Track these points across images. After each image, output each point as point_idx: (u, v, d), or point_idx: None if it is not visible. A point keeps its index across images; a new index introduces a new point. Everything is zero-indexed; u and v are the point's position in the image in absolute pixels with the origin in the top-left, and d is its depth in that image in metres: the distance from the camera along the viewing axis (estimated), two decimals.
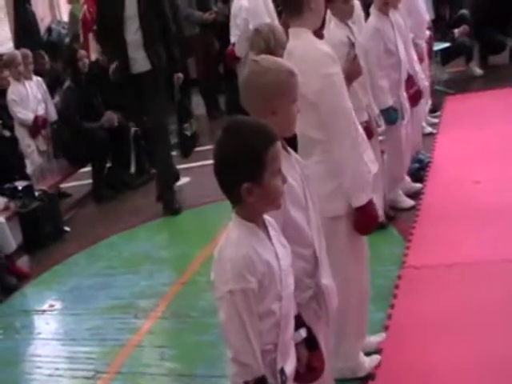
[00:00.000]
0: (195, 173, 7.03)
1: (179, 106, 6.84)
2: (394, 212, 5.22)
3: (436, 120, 7.10)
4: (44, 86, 7.60)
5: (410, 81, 5.32)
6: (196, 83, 9.61)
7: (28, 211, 6.24)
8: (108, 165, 7.59)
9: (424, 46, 6.45)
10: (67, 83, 7.41)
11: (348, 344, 3.31)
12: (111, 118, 7.39)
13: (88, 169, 7.55)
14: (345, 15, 4.23)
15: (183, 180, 7.06)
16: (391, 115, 4.97)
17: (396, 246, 4.75)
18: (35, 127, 7.28)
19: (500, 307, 3.67)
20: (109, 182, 7.51)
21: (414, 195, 5.43)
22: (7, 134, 6.86)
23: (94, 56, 8.26)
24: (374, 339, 3.58)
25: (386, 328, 3.69)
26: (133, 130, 7.66)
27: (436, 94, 7.57)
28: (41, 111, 7.38)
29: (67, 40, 10.71)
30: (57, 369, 4.31)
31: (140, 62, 6.28)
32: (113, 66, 6.67)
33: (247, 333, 1.96)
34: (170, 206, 6.46)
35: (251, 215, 2.05)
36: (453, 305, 3.78)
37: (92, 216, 7.10)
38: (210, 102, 9.58)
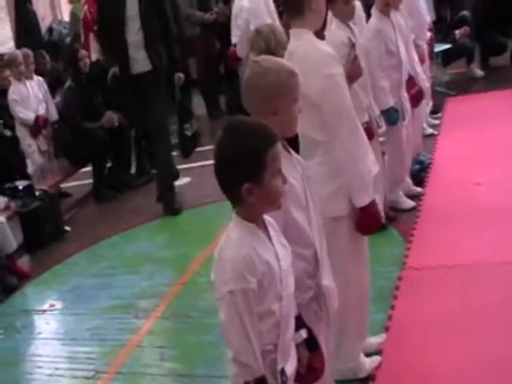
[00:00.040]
0: (195, 173, 7.04)
1: (180, 106, 6.83)
2: (395, 213, 5.22)
3: (437, 121, 7.10)
4: (45, 86, 7.60)
5: (411, 81, 5.32)
6: (197, 83, 9.62)
7: (29, 211, 6.24)
8: (108, 165, 7.59)
9: (425, 47, 6.45)
10: (68, 83, 7.42)
11: (349, 345, 3.31)
12: (111, 118, 7.39)
13: (88, 169, 7.55)
14: (346, 16, 4.23)
15: (183, 180, 7.07)
16: (392, 116, 4.98)
17: (396, 246, 4.75)
18: (36, 127, 7.28)
19: (500, 308, 3.67)
20: (109, 182, 7.51)
21: (415, 197, 5.43)
22: (8, 133, 6.87)
23: (94, 56, 8.26)
24: (374, 340, 3.58)
25: (387, 329, 3.69)
26: (133, 130, 7.67)
27: (437, 96, 7.57)
28: (42, 111, 7.38)
29: (68, 40, 10.71)
30: (57, 369, 4.31)
31: (141, 62, 6.27)
32: (111, 71, 6.69)
33: (247, 333, 1.96)
34: (171, 206, 6.46)
35: (251, 215, 2.05)
36: (453, 306, 3.78)
37: (92, 216, 7.11)
38: (210, 102, 9.59)
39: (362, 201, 3.06)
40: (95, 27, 7.61)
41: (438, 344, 3.45)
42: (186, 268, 5.26)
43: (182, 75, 6.69)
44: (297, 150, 2.69)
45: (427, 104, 6.68)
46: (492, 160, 5.69)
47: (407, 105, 5.20)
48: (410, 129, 5.36)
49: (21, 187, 6.35)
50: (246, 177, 1.98)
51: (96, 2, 7.29)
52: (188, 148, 6.87)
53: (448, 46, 8.40)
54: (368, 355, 3.46)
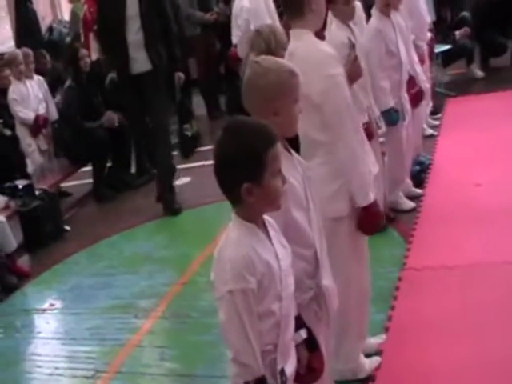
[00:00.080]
0: (195, 173, 7.04)
1: (180, 107, 6.83)
2: (395, 214, 5.22)
3: (437, 122, 7.10)
4: (45, 85, 7.60)
5: (411, 82, 5.32)
6: (197, 83, 9.62)
7: (28, 210, 6.24)
8: (108, 164, 7.58)
9: (425, 47, 6.45)
10: (68, 82, 7.41)
11: (349, 345, 3.31)
12: (111, 117, 7.39)
13: (88, 168, 7.55)
14: (346, 16, 4.23)
15: (183, 180, 7.07)
16: (392, 116, 4.98)
17: (396, 247, 4.75)
18: (36, 126, 7.28)
19: (500, 309, 3.68)
20: (109, 182, 7.51)
21: (415, 198, 5.43)
22: (8, 133, 6.87)
23: (94, 56, 8.26)
24: (374, 341, 3.59)
25: (387, 329, 3.70)
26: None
27: (437, 96, 7.57)
28: (42, 110, 7.39)
29: (68, 39, 10.71)
30: (57, 368, 4.31)
31: (141, 62, 6.27)
32: (109, 77, 6.69)
33: (247, 333, 1.96)
34: (170, 206, 6.45)
35: (251, 215, 2.05)
36: (453, 306, 3.79)
37: (92, 215, 7.11)
38: (210, 103, 9.58)
39: (365, 200, 3.06)
40: (95, 27, 7.61)
41: (438, 344, 3.45)
42: (185, 268, 5.26)
43: (182, 75, 6.69)
44: (297, 151, 2.69)
45: (427, 105, 6.68)
46: (492, 161, 5.69)
47: (407, 105, 5.20)
48: (410, 129, 5.36)
49: (21, 186, 6.35)
50: (246, 177, 1.99)
51: (95, 2, 7.29)
52: (187, 148, 6.87)
53: (448, 46, 8.40)
54: (368, 356, 3.46)
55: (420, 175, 5.76)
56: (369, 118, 4.25)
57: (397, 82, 5.08)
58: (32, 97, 7.30)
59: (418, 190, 5.55)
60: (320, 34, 3.46)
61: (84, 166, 7.58)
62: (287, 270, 2.11)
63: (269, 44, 3.69)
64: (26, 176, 6.70)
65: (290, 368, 2.15)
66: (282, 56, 3.06)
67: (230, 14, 8.50)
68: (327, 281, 2.46)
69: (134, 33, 6.22)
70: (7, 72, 7.29)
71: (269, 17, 7.63)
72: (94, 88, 7.43)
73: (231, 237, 2.04)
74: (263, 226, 2.10)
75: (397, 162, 5.26)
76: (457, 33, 8.63)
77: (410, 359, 3.43)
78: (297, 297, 2.23)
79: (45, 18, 12.22)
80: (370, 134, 3.94)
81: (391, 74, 5.03)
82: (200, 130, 6.85)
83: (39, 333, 4.92)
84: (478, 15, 8.88)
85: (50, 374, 4.26)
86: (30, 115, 7.23)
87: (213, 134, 7.89)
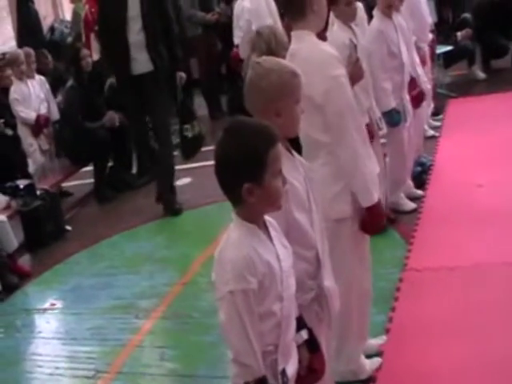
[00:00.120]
0: (196, 173, 7.04)
1: (181, 107, 6.81)
2: (396, 215, 5.22)
3: (438, 123, 7.10)
4: (47, 85, 7.60)
5: (413, 83, 5.32)
6: (198, 84, 9.62)
7: (30, 210, 6.24)
8: (110, 164, 7.59)
9: (426, 49, 6.46)
10: (70, 82, 7.42)
11: (350, 347, 3.31)
12: (113, 117, 7.39)
13: (90, 168, 7.55)
14: (348, 18, 4.23)
15: (184, 181, 7.07)
16: (394, 117, 4.98)
17: (398, 248, 4.75)
18: (37, 126, 7.28)
19: (501, 310, 3.68)
20: (110, 182, 7.51)
21: (416, 199, 5.43)
22: (9, 132, 6.87)
23: (96, 56, 8.26)
24: (374, 342, 3.58)
25: (387, 331, 3.69)
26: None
27: (438, 97, 7.56)
28: (43, 110, 7.39)
29: (70, 39, 10.71)
30: (57, 368, 4.31)
31: (142, 62, 6.25)
32: (108, 82, 6.68)
33: (248, 333, 1.96)
34: (171, 206, 6.45)
35: (252, 216, 2.05)
36: (454, 307, 3.79)
37: (93, 215, 7.11)
38: (211, 103, 9.58)
39: (369, 201, 3.06)
40: (96, 27, 7.60)
41: (439, 345, 3.45)
42: (186, 268, 5.26)
43: (183, 74, 6.67)
44: (298, 152, 2.69)
45: (428, 106, 6.68)
46: (493, 162, 5.69)
47: (409, 106, 5.20)
48: (411, 131, 5.37)
49: (22, 186, 6.35)
50: (247, 177, 1.99)
51: (97, 2, 7.28)
52: (187, 149, 6.82)
53: (450, 47, 8.40)
54: (368, 357, 3.46)
55: (421, 176, 5.76)
56: (370, 119, 4.25)
57: (398, 83, 5.08)
58: (33, 97, 7.31)
59: (419, 191, 5.55)
60: (322, 35, 3.46)
61: (85, 165, 7.59)
62: (288, 270, 2.11)
63: (269, 45, 3.68)
64: (27, 176, 6.70)
65: (292, 369, 2.14)
66: (284, 57, 3.05)
67: (231, 14, 8.52)
68: (329, 282, 2.46)
69: (136, 33, 6.21)
70: (9, 72, 7.29)
71: (270, 17, 7.64)
72: (95, 88, 7.44)
73: (232, 237, 2.04)
74: (264, 227, 2.10)
75: (398, 163, 5.26)
76: (458, 34, 8.64)
77: (410, 360, 3.43)
78: (298, 298, 2.23)
79: (46, 18, 12.22)
80: (370, 136, 3.93)
81: (393, 75, 5.03)
82: (203, 131, 6.78)
83: (40, 333, 4.92)
84: (480, 16, 8.88)
85: (51, 374, 4.26)
86: (31, 115, 7.23)
87: (214, 135, 7.89)
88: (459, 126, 6.85)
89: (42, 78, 7.62)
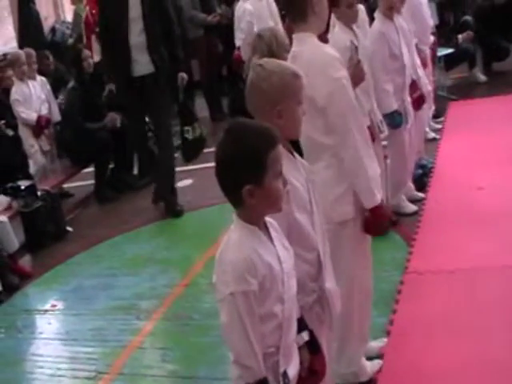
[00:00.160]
0: (197, 175, 7.04)
1: (182, 108, 6.80)
2: (397, 217, 5.22)
3: (439, 126, 7.10)
4: (48, 86, 7.60)
5: (414, 85, 5.32)
6: (199, 85, 9.61)
7: (30, 211, 6.24)
8: (111, 166, 7.59)
9: (428, 51, 6.45)
10: (71, 83, 7.42)
11: (351, 349, 3.31)
12: (114, 118, 7.40)
13: (91, 169, 7.56)
14: (349, 19, 4.24)
15: (185, 182, 7.07)
16: (396, 119, 4.98)
17: (398, 251, 4.75)
18: (38, 127, 7.28)
19: (502, 313, 3.67)
20: (111, 183, 7.51)
21: (417, 201, 5.43)
22: (10, 133, 6.87)
23: (97, 57, 8.26)
24: (375, 344, 3.59)
25: (388, 333, 3.69)
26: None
27: (439, 100, 7.56)
28: (44, 111, 7.39)
29: (71, 40, 10.71)
30: (58, 369, 4.31)
31: (143, 64, 6.25)
32: (107, 88, 6.67)
33: (248, 335, 1.96)
34: (172, 207, 6.46)
35: (252, 217, 2.06)
36: (455, 310, 3.78)
37: (94, 216, 7.11)
38: (212, 105, 9.58)
39: (372, 201, 3.06)
40: (97, 29, 7.59)
41: (440, 348, 3.45)
42: (187, 270, 5.26)
43: (185, 75, 6.66)
44: (300, 153, 2.69)
45: (429, 108, 6.68)
46: (494, 164, 5.69)
47: (410, 108, 5.20)
48: (412, 133, 5.37)
49: (23, 187, 6.35)
50: (247, 179, 1.99)
51: (97, 4, 7.27)
52: (187, 152, 6.80)
53: (451, 50, 8.39)
54: (369, 359, 3.46)
55: (422, 179, 5.76)
56: (371, 121, 4.26)
57: (400, 85, 5.08)
58: (34, 97, 7.31)
59: (420, 194, 5.55)
60: (323, 37, 3.46)
61: (86, 166, 7.59)
62: (289, 272, 2.11)
63: (271, 47, 3.69)
64: (28, 176, 6.70)
65: (293, 370, 2.14)
66: (285, 58, 3.06)
67: (232, 15, 8.52)
68: (330, 284, 2.46)
69: (137, 35, 6.20)
70: (10, 72, 7.30)
71: (271, 19, 7.65)
72: (96, 89, 7.44)
73: (233, 239, 2.05)
74: (265, 228, 2.10)
75: (399, 166, 5.26)
76: (459, 36, 8.64)
77: (411, 362, 3.42)
78: (300, 299, 2.23)
79: (47, 19, 12.22)
80: (372, 138, 3.93)
81: (394, 77, 5.03)
82: (204, 133, 6.76)
83: (41, 333, 4.92)
84: (481, 19, 8.88)
85: (52, 375, 4.26)
86: (32, 116, 7.23)
87: (215, 136, 7.89)
88: (460, 128, 6.84)
89: (43, 78, 7.62)
